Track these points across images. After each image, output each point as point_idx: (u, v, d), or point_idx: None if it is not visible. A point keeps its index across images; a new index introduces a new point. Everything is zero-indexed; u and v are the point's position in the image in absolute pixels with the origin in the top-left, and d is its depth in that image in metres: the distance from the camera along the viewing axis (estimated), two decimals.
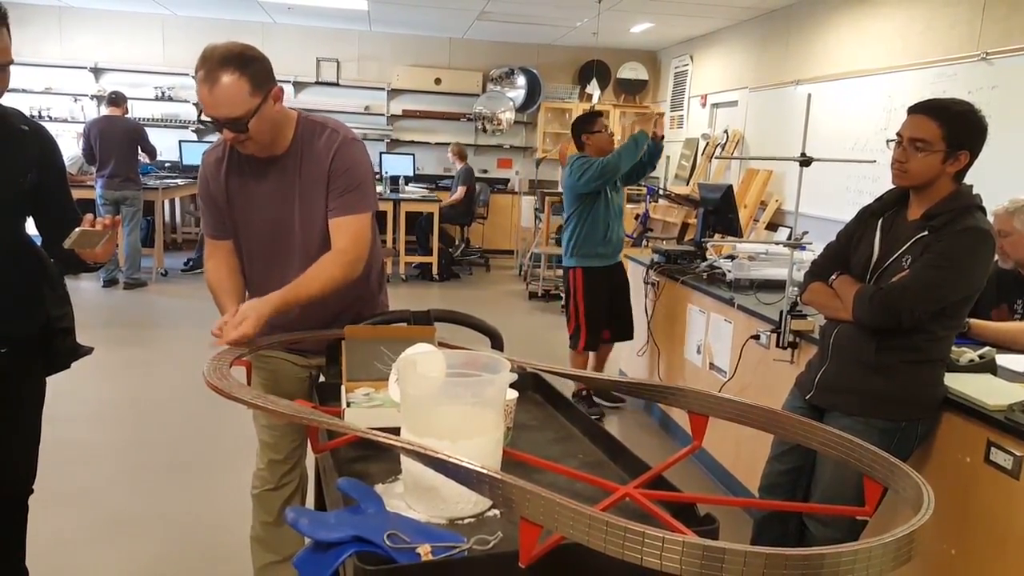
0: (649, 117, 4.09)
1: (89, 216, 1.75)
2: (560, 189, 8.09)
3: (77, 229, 1.69)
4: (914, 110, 1.99)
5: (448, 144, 9.66)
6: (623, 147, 3.98)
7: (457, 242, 8.79)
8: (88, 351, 2.05)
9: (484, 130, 9.58)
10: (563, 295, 4.35)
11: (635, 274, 4.58)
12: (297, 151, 1.87)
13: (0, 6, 1.59)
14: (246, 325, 1.66)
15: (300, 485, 2.16)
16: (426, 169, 9.65)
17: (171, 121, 9.06)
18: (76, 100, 8.91)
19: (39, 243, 1.94)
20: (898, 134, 2.01)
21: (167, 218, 8.76)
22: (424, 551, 1.03)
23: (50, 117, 8.71)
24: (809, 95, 3.02)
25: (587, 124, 4.09)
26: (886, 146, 2.08)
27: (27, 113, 1.97)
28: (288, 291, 1.75)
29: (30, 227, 1.90)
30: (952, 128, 1.92)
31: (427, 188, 8.88)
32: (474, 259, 8.91)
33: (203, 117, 1.72)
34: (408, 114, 9.61)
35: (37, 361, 1.94)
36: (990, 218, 2.09)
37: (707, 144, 7.99)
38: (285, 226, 1.90)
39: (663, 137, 4.17)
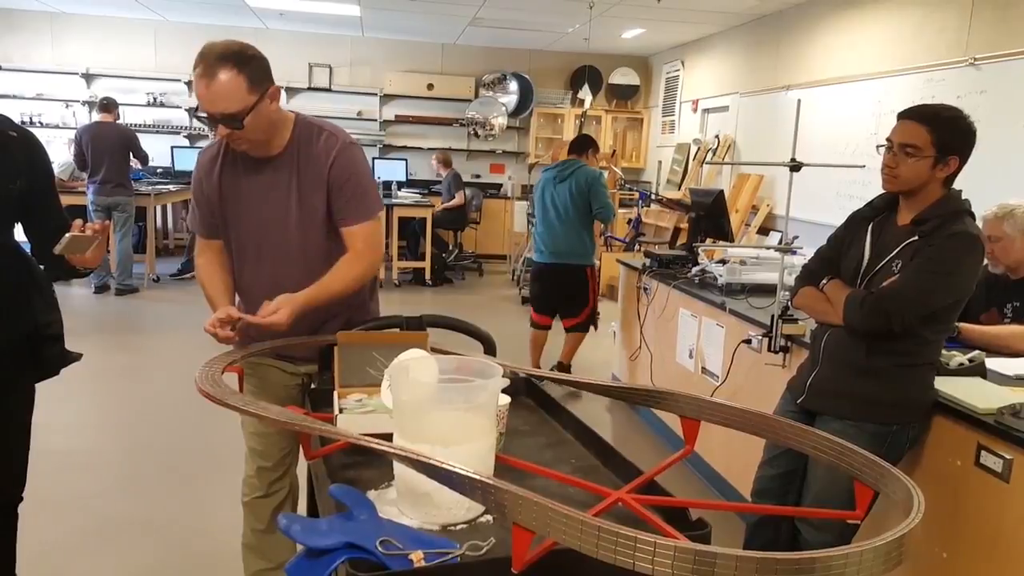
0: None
1: (78, 222, 1.76)
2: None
3: (67, 235, 1.70)
4: (904, 116, 2.01)
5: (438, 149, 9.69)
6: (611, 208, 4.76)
7: (451, 247, 8.79)
8: (77, 357, 2.04)
9: (476, 135, 9.58)
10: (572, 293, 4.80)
11: (627, 278, 4.61)
12: (294, 152, 1.87)
13: None
14: (281, 314, 1.71)
15: (291, 493, 2.15)
16: (419, 174, 9.65)
17: (163, 127, 9.03)
18: (68, 106, 8.87)
19: (28, 249, 1.93)
20: (888, 139, 2.02)
21: (159, 224, 8.73)
22: (417, 557, 1.03)
23: (41, 123, 8.67)
24: (799, 100, 3.03)
25: (596, 146, 4.90)
26: (876, 151, 2.09)
27: (18, 119, 1.97)
28: (314, 289, 1.80)
29: (19, 234, 1.90)
30: (941, 133, 1.94)
31: (419, 193, 8.88)
32: (467, 264, 8.91)
33: (199, 112, 1.73)
34: (401, 119, 9.61)
35: (26, 367, 1.93)
36: (979, 223, 2.10)
37: (698, 149, 8.02)
38: (280, 225, 1.90)
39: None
